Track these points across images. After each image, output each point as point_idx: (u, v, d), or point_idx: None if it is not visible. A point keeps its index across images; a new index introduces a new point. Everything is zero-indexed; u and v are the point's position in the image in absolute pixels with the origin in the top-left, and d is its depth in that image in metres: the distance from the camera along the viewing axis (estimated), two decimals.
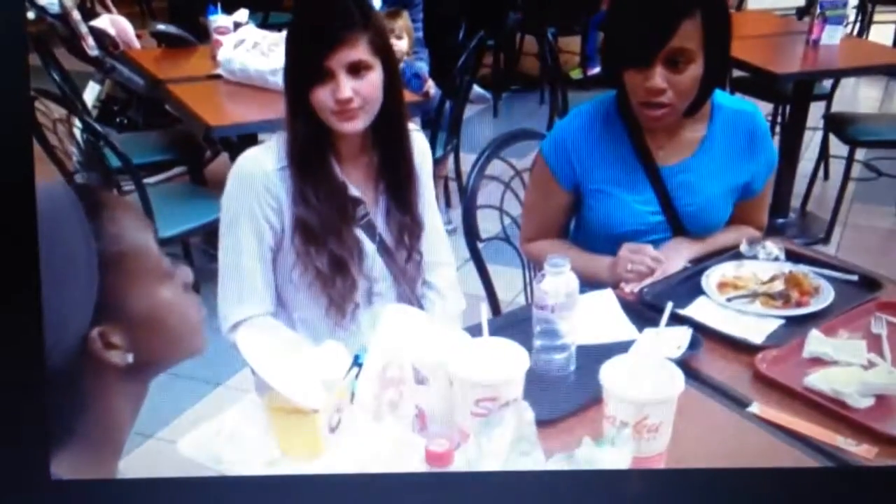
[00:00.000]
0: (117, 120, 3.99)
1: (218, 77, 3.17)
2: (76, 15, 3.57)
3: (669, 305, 1.15)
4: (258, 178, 1.51)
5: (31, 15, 3.64)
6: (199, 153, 3.59)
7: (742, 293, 1.57)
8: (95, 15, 3.96)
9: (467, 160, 3.39)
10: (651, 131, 1.71)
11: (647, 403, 1.04)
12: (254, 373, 1.12)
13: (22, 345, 0.75)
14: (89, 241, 0.78)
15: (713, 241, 1.77)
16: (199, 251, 3.21)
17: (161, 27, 3.84)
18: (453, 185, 3.80)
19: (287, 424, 1.06)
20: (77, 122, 2.91)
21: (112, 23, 3.78)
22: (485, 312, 1.12)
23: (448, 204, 3.76)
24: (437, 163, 3.47)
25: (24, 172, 0.72)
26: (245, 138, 2.93)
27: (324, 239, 1.52)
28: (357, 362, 1.20)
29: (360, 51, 1.46)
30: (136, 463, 0.95)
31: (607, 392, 1.06)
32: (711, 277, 1.62)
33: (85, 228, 0.78)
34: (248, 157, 1.55)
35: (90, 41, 3.66)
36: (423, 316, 1.24)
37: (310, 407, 1.04)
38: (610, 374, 1.07)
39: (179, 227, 2.74)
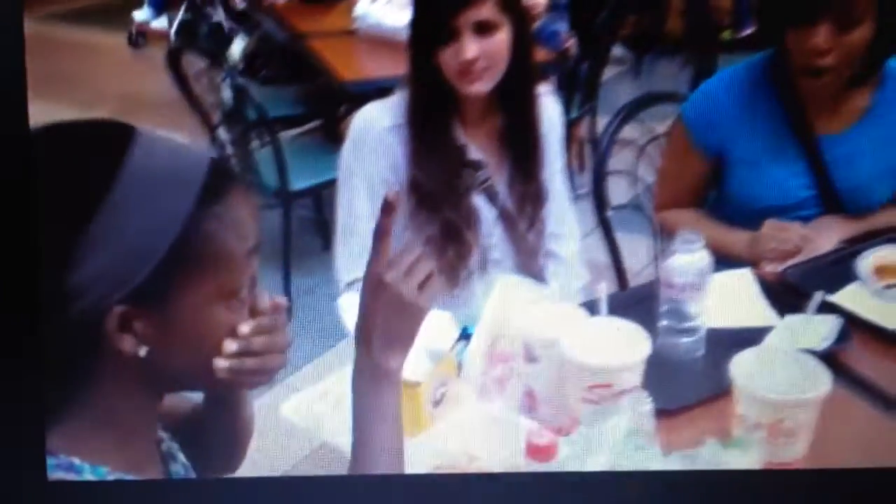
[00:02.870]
0: (261, 73, 4.08)
1: (354, 32, 3.17)
2: None
3: (820, 294, 1.02)
4: (374, 135, 1.48)
5: None
6: (334, 108, 3.61)
7: None
8: None
9: (605, 123, 3.25)
10: (809, 97, 1.54)
11: (785, 405, 0.93)
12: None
13: (19, 345, 0.72)
14: (177, 218, 0.71)
15: (873, 219, 1.59)
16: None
17: None
18: (588, 149, 3.66)
19: None
20: (222, 75, 2.98)
21: None
22: (604, 291, 1.03)
23: (581, 168, 3.63)
24: (572, 124, 3.34)
25: (22, 169, 0.69)
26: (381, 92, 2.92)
27: (438, 204, 1.47)
28: (465, 333, 1.14)
29: (488, 9, 1.39)
30: None
31: (739, 389, 0.96)
32: (868, 261, 1.44)
33: (182, 205, 0.71)
34: (365, 113, 1.51)
35: None
36: (539, 289, 1.17)
37: (412, 379, 0.99)
38: (743, 367, 0.96)
39: (311, 181, 2.77)
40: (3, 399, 0.75)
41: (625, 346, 1.00)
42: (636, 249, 2.07)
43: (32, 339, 0.72)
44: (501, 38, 1.41)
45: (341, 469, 0.86)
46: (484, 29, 1.40)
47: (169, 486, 0.85)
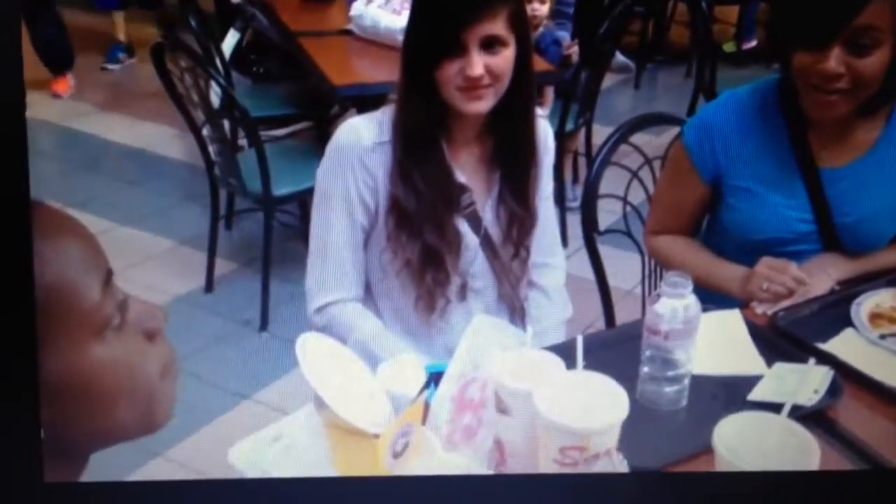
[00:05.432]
0: (253, 69, 4.00)
1: (349, 33, 3.09)
2: None
3: (812, 362, 0.95)
4: (355, 151, 1.41)
5: None
6: (327, 109, 3.54)
7: None
8: None
9: (602, 133, 3.18)
10: (816, 126, 1.48)
11: None
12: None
13: (13, 346, 0.66)
14: None
15: (872, 259, 1.53)
16: None
17: None
18: (582, 161, 3.59)
19: (346, 446, 0.95)
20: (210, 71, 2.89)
21: None
22: (580, 344, 0.96)
23: (575, 179, 3.57)
24: (568, 136, 3.28)
25: (18, 177, 0.64)
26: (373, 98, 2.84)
27: (419, 225, 1.40)
28: (434, 374, 1.07)
29: (499, 25, 1.33)
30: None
31: (724, 462, 0.89)
32: (864, 306, 1.38)
33: None
34: (347, 128, 1.44)
35: None
36: (514, 333, 1.10)
37: (371, 431, 0.93)
38: (729, 437, 0.89)
39: (295, 186, 2.68)
40: None
41: (601, 405, 0.93)
42: (625, 266, 2.01)
43: (27, 338, 0.67)
44: (508, 55, 1.35)
45: None
46: (491, 45, 1.33)
47: (168, 486, 0.82)
